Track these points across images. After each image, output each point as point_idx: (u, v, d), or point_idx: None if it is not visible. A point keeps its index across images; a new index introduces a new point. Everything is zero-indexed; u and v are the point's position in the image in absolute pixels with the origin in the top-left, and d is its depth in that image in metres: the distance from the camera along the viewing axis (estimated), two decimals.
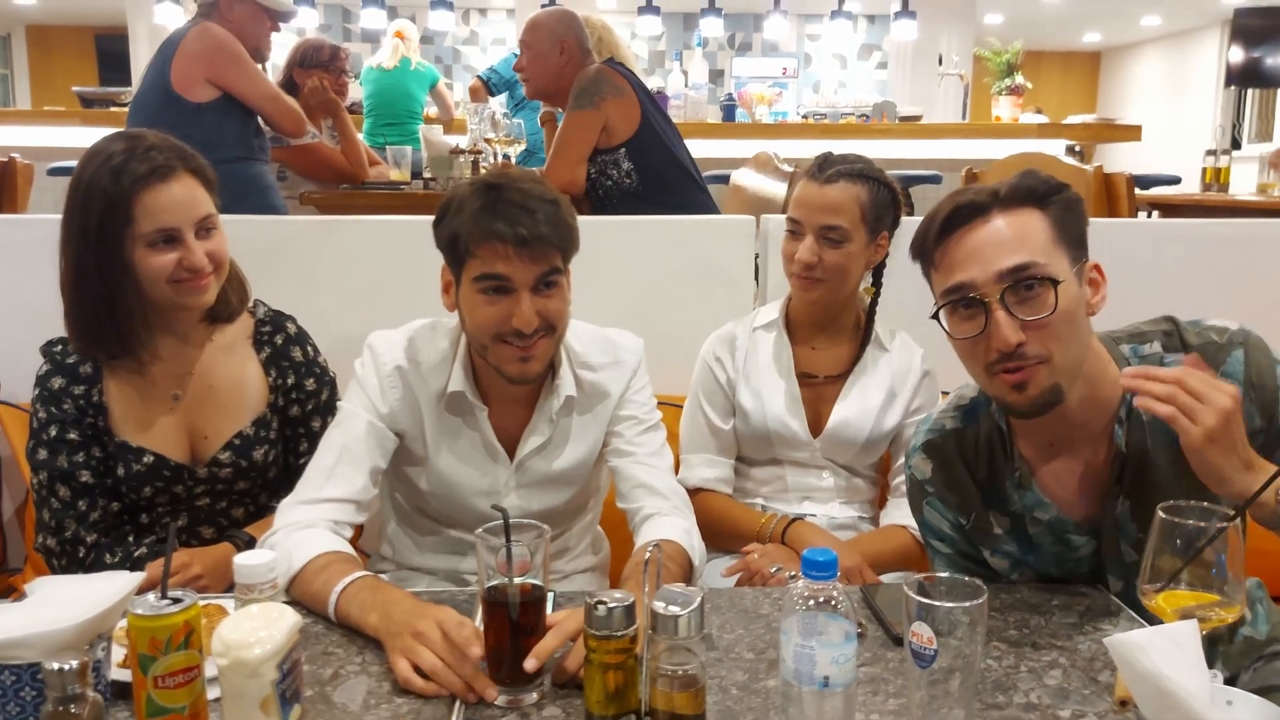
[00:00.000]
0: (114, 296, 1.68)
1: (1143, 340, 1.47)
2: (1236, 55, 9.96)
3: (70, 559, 1.74)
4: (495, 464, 1.74)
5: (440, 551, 1.80)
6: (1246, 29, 9.86)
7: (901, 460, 2.00)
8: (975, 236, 1.37)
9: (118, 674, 1.18)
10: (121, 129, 1.78)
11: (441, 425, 1.72)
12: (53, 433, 1.73)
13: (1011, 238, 1.36)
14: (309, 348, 1.90)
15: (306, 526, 1.54)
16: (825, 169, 1.90)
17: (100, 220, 1.64)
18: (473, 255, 1.57)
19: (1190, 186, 6.12)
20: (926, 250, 1.43)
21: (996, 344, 1.35)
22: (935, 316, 1.42)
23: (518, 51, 5.32)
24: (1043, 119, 6.86)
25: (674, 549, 1.57)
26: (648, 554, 1.18)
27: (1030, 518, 1.51)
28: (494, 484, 1.74)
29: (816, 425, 1.99)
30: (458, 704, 1.21)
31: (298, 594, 1.46)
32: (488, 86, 5.35)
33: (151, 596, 1.06)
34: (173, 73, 3.20)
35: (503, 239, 1.54)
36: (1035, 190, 1.39)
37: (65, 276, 1.70)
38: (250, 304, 1.87)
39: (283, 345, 1.86)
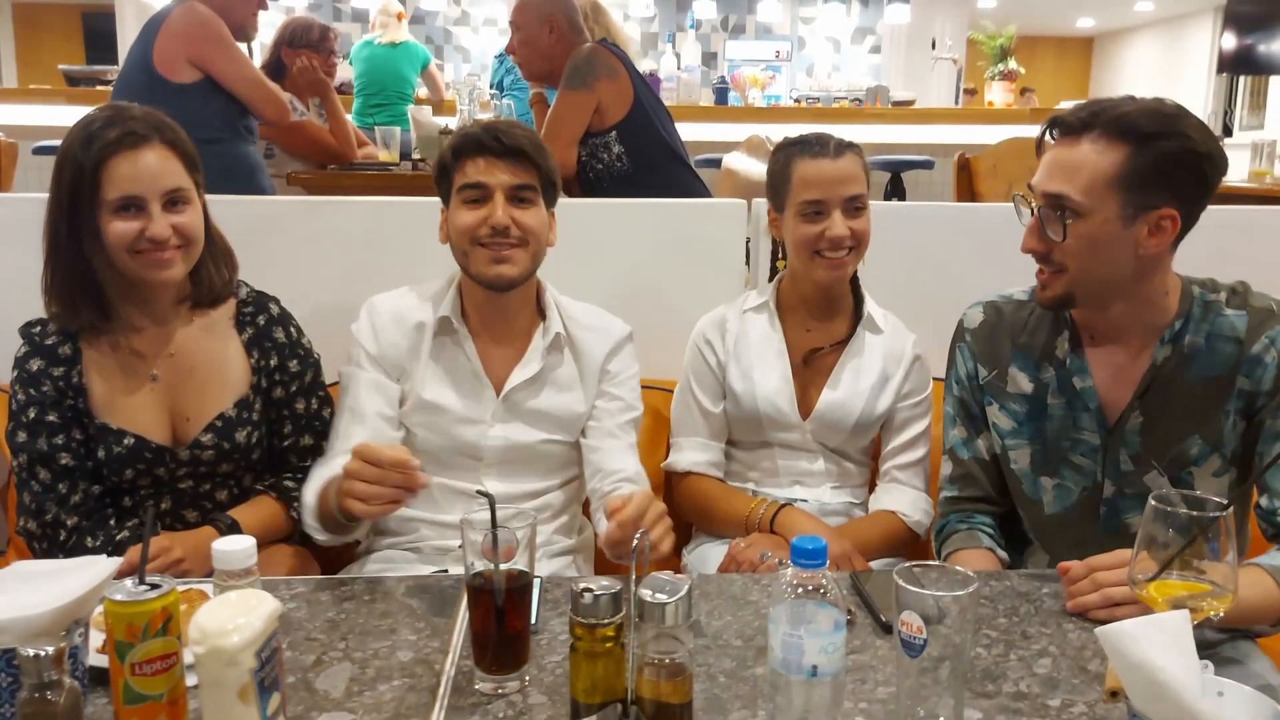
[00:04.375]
0: (88, 264, 1.67)
1: (1213, 290, 1.58)
2: (1229, 41, 9.92)
3: (51, 542, 1.72)
4: (482, 390, 1.81)
5: (423, 506, 1.78)
6: (1239, 15, 9.81)
7: (892, 444, 2.00)
8: (1059, 151, 1.51)
9: (96, 660, 1.16)
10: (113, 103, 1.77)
11: (432, 352, 1.82)
12: (32, 415, 1.70)
13: (1072, 167, 1.48)
14: (292, 329, 1.88)
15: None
16: (828, 144, 1.91)
17: (71, 187, 1.65)
18: (458, 170, 1.76)
19: None
20: (1040, 146, 1.57)
21: (1024, 240, 1.56)
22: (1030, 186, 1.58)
23: (500, 54, 5.27)
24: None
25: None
26: (635, 541, 1.16)
27: (1066, 384, 1.63)
28: (479, 413, 1.80)
29: (807, 407, 1.98)
30: (442, 689, 1.20)
31: (321, 521, 1.61)
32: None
33: (129, 582, 1.05)
34: (155, 53, 3.12)
35: (481, 145, 1.74)
36: (1140, 129, 1.45)
37: (45, 244, 1.70)
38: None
39: (265, 326, 1.84)
